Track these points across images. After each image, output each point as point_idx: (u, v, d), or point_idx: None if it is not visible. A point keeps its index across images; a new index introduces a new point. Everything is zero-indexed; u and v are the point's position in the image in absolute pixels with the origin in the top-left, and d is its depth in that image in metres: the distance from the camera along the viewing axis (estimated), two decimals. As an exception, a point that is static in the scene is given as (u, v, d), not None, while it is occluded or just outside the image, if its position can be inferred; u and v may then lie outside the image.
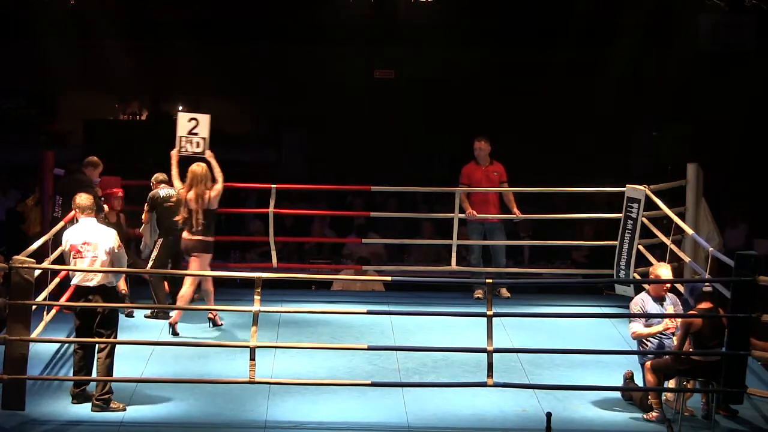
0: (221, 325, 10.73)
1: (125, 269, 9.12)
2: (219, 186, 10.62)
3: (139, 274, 11.44)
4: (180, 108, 11.04)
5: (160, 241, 11.08)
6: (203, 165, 10.68)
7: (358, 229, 14.81)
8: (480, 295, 12.03)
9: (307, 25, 19.18)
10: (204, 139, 11.00)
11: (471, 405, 8.90)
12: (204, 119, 11.08)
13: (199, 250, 10.55)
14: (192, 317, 11.00)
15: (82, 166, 11.46)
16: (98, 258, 8.82)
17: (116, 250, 8.86)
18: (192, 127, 11.03)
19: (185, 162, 10.84)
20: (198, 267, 10.49)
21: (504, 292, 12.05)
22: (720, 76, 18.30)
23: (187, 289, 10.55)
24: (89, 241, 8.84)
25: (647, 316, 9.00)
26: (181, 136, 11.03)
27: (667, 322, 8.95)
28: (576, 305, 11.82)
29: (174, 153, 10.96)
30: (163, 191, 11.15)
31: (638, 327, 9.01)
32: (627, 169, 17.76)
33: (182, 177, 10.69)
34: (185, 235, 10.61)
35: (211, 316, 10.74)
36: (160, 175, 11.31)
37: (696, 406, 8.95)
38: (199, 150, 10.98)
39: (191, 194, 10.54)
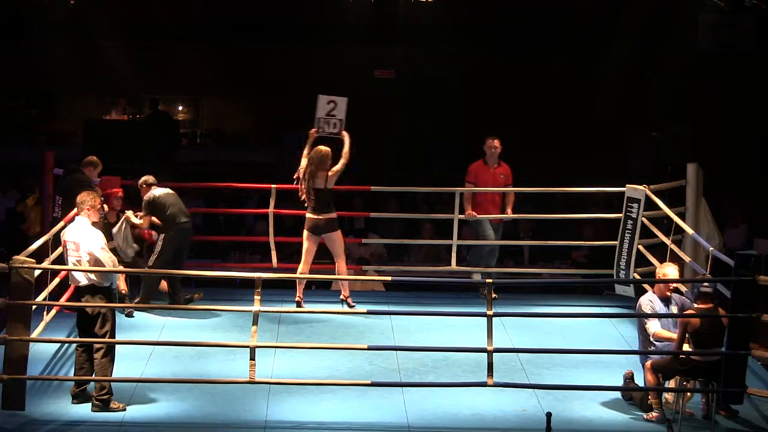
0: (353, 306, 11.15)
1: (112, 269, 8.79)
2: (337, 167, 11.15)
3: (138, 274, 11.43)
4: (319, 94, 11.38)
5: (162, 236, 11.09)
6: (326, 148, 11.16)
7: (357, 230, 14.80)
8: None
9: (307, 25, 19.19)
10: (341, 120, 11.47)
11: (471, 405, 8.90)
12: (342, 102, 11.50)
13: (328, 230, 11.15)
14: (192, 317, 11.00)
15: (81, 166, 11.45)
16: (82, 259, 8.80)
17: (98, 253, 8.74)
18: (330, 109, 11.46)
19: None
20: (335, 244, 11.19)
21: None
22: (720, 76, 18.30)
23: (302, 267, 11.24)
24: (75, 241, 8.83)
25: (658, 316, 8.98)
26: (319, 117, 11.49)
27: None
28: (576, 305, 11.81)
29: (312, 132, 11.41)
30: (157, 191, 11.16)
31: (657, 327, 8.98)
32: (627, 169, 17.77)
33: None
34: (310, 215, 11.15)
35: (343, 297, 11.27)
36: (149, 178, 11.33)
37: (696, 406, 8.95)
38: (335, 131, 11.47)
39: (309, 174, 11.09)
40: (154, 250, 11.13)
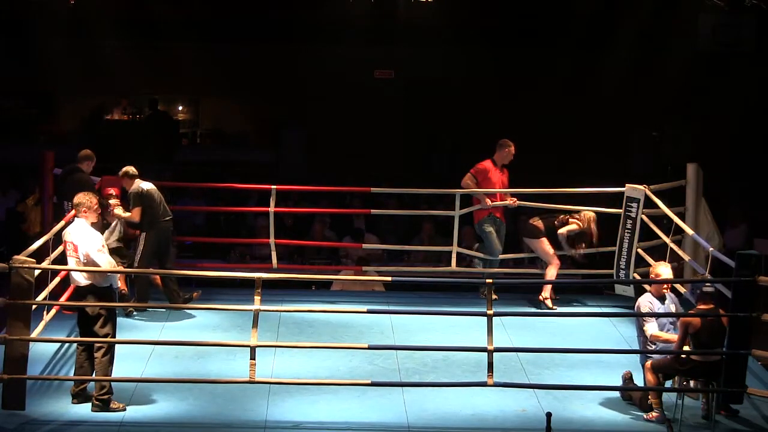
0: (554, 308, 11.51)
1: (108, 270, 8.76)
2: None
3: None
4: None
5: (144, 235, 11.04)
6: None
7: (357, 232, 14.76)
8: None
9: (307, 25, 19.20)
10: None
11: (471, 405, 8.90)
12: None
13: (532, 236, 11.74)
14: (192, 317, 11.00)
15: (78, 162, 11.40)
16: (80, 260, 8.79)
17: (94, 255, 8.72)
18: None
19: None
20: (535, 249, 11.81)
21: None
22: (720, 76, 18.30)
23: (550, 270, 11.61)
24: (74, 242, 8.81)
25: (655, 315, 8.97)
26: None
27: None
28: (576, 305, 11.81)
29: None
30: (144, 185, 11.11)
31: (654, 329, 8.97)
32: (627, 169, 17.76)
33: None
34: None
35: (541, 298, 11.57)
36: (130, 169, 11.10)
37: (696, 406, 8.94)
38: None
39: None
40: (136, 251, 11.10)
